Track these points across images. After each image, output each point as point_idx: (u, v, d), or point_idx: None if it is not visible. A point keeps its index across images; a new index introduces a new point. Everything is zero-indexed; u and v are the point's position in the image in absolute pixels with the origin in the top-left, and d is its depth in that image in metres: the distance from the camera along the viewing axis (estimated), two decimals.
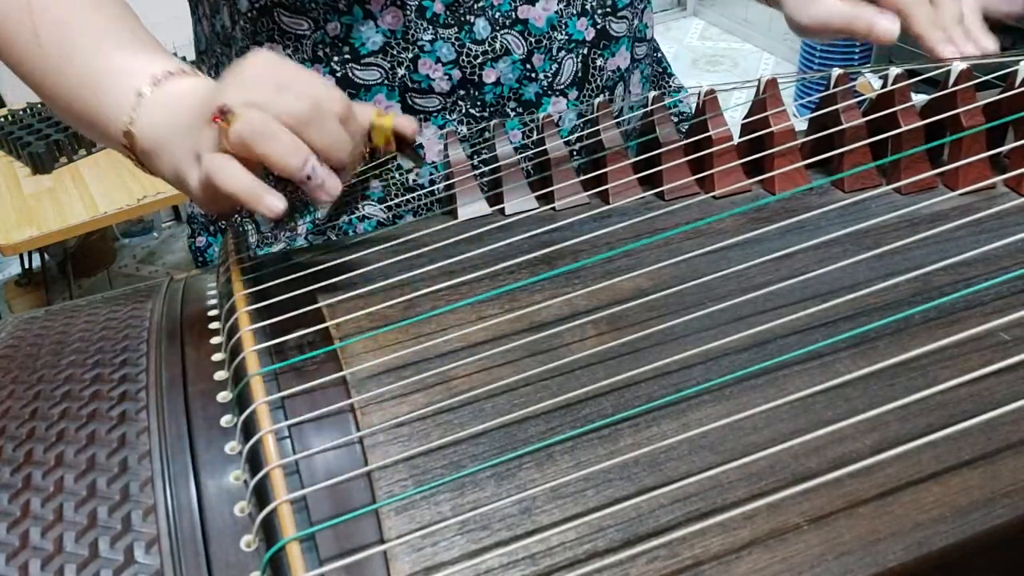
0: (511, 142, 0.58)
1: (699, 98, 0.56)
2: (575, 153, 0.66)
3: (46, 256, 2.30)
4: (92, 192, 1.80)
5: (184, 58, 2.12)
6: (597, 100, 0.58)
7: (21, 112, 2.03)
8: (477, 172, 0.58)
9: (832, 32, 0.65)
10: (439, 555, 0.34)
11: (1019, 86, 0.52)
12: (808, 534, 0.34)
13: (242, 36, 0.63)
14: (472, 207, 0.55)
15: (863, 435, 0.37)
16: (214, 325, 0.45)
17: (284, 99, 0.44)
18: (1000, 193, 0.52)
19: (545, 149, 0.56)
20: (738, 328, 0.41)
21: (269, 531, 0.34)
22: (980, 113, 0.52)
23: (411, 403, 0.40)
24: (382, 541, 0.34)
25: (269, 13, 0.60)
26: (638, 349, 0.42)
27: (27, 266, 2.38)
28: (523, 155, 0.59)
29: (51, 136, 1.90)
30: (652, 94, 0.58)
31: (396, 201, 0.65)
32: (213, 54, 0.69)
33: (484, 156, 0.61)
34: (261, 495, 0.35)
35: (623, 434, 0.38)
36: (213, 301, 0.48)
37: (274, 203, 0.44)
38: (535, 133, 0.62)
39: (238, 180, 0.43)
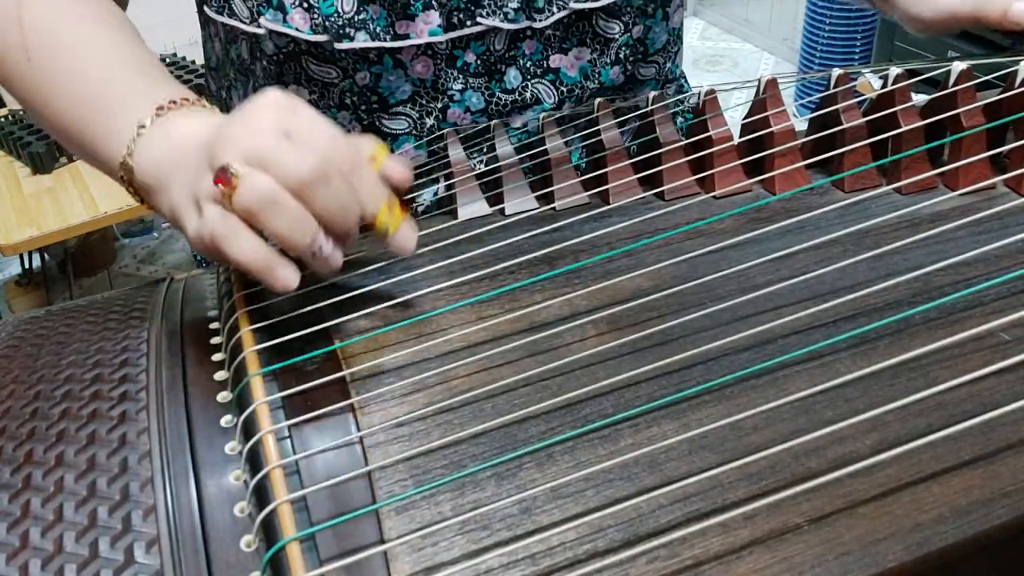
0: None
1: (699, 98, 0.56)
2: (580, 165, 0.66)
3: (46, 256, 2.30)
4: (92, 192, 1.80)
5: (183, 57, 2.12)
6: (597, 100, 0.58)
7: (21, 112, 2.03)
8: (477, 172, 0.58)
9: (959, 22, 0.60)
10: (439, 555, 0.34)
11: (1019, 86, 0.52)
12: (808, 534, 0.34)
13: (264, 76, 0.62)
14: (472, 207, 0.55)
15: (863, 435, 0.37)
16: (214, 325, 0.45)
17: (290, 155, 0.40)
18: (1000, 193, 0.52)
19: (545, 149, 0.56)
20: (738, 328, 0.41)
21: (269, 531, 0.34)
22: (980, 113, 0.52)
23: (411, 403, 0.40)
24: (382, 541, 0.34)
25: (296, 58, 0.59)
26: (638, 349, 0.42)
27: (27, 266, 2.38)
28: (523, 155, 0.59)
29: (51, 136, 1.90)
30: (652, 94, 0.58)
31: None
32: (226, 76, 0.68)
33: (484, 156, 0.61)
34: (261, 495, 0.35)
35: (623, 434, 0.38)
36: (213, 301, 0.48)
37: (288, 277, 0.41)
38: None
39: (250, 252, 0.40)
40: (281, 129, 0.40)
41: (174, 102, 0.47)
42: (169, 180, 0.45)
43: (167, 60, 2.08)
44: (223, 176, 0.39)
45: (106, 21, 0.52)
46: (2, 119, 2.00)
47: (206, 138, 0.43)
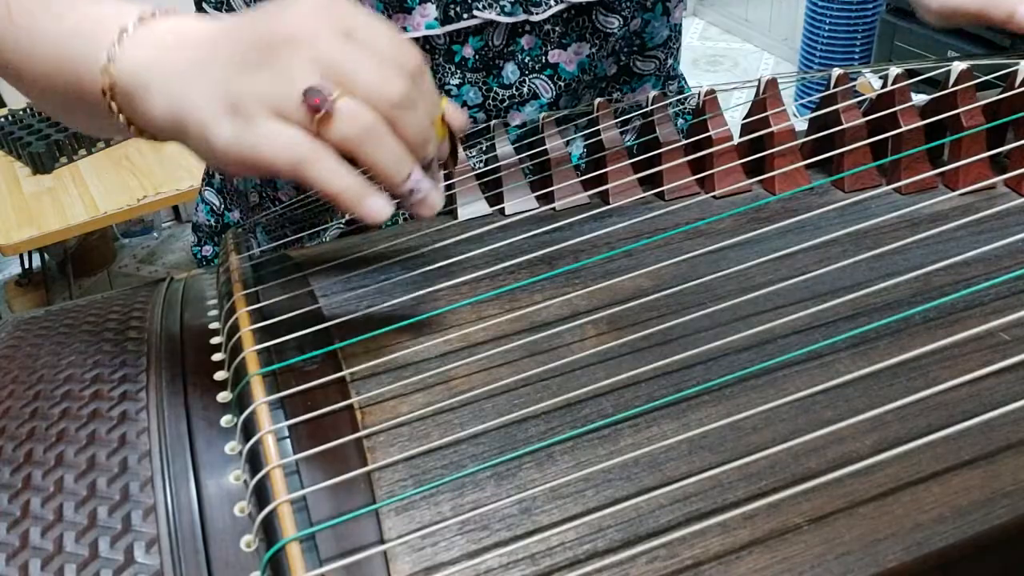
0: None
1: (699, 98, 0.56)
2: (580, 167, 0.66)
3: (46, 256, 2.30)
4: (92, 192, 1.81)
5: None
6: (597, 100, 0.58)
7: (21, 112, 2.03)
8: (477, 172, 0.58)
9: (963, 18, 0.60)
10: (439, 555, 0.34)
11: (1019, 86, 0.52)
12: (808, 534, 0.34)
13: None
14: (472, 207, 0.55)
15: (863, 435, 0.37)
16: (214, 325, 0.45)
17: (374, 72, 0.35)
18: (1000, 193, 0.52)
19: (545, 149, 0.56)
20: (738, 328, 0.41)
21: (269, 531, 0.34)
22: (980, 113, 0.52)
23: (411, 403, 0.40)
24: (382, 541, 0.34)
25: None
26: (638, 349, 0.42)
27: (27, 266, 2.38)
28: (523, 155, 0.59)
29: (51, 136, 1.90)
30: (652, 94, 0.58)
31: (397, 201, 0.65)
32: None
33: (484, 156, 0.61)
34: (261, 495, 0.35)
35: (623, 434, 0.38)
36: (213, 301, 0.48)
37: (379, 207, 0.37)
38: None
39: (341, 179, 0.36)
40: (342, 28, 0.36)
41: (160, 10, 0.41)
42: (165, 78, 0.39)
43: None
44: (317, 101, 0.35)
45: None
46: (2, 119, 2.00)
47: (237, 33, 0.37)
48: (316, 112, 0.35)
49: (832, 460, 0.36)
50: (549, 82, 0.62)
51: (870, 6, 2.74)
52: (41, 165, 1.87)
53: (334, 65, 0.35)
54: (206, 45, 0.38)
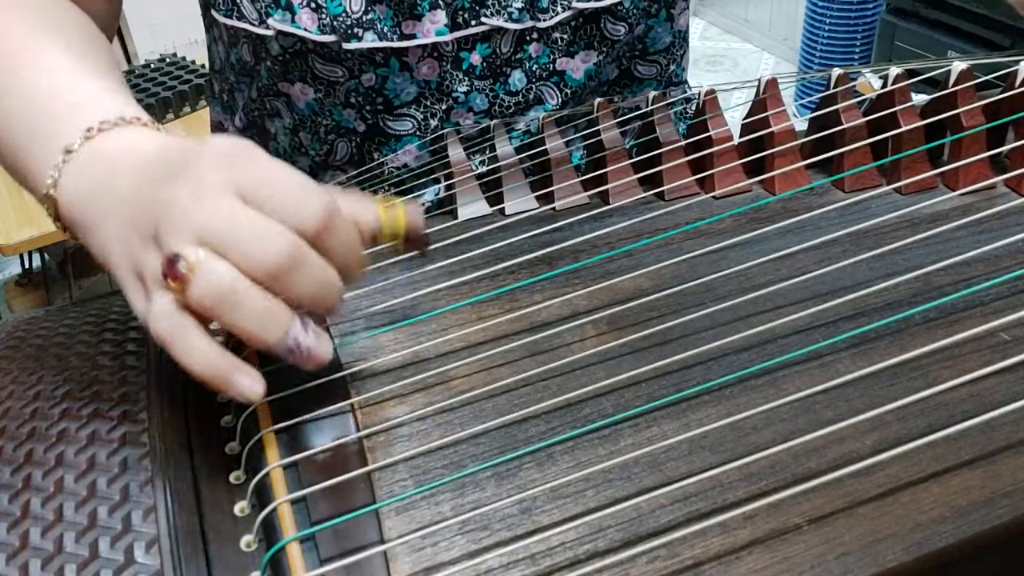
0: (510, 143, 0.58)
1: (699, 98, 0.56)
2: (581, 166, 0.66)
3: (46, 256, 2.30)
4: None
5: (183, 57, 2.12)
6: (597, 100, 0.58)
7: None
8: (477, 172, 0.58)
9: None
10: (439, 555, 0.34)
11: (1019, 86, 0.52)
12: (808, 534, 0.34)
13: (268, 75, 0.61)
14: (472, 207, 0.55)
15: (863, 435, 0.37)
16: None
17: (250, 237, 0.33)
18: (1000, 193, 0.52)
19: (545, 149, 0.56)
20: (738, 328, 0.41)
21: (269, 531, 0.34)
22: (980, 113, 0.52)
23: (411, 403, 0.40)
24: (382, 541, 0.34)
25: (302, 57, 0.59)
26: (638, 349, 0.42)
27: (27, 266, 2.38)
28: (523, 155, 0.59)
29: None
30: (652, 94, 0.58)
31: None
32: (227, 80, 0.68)
33: (485, 156, 0.61)
34: (261, 495, 0.35)
35: (623, 434, 0.38)
36: None
37: (249, 387, 0.34)
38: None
39: (202, 359, 0.34)
40: (237, 190, 0.34)
41: (106, 123, 0.39)
42: (99, 224, 0.38)
43: (168, 60, 2.08)
44: (172, 270, 0.33)
45: (68, 35, 0.47)
46: None
47: (140, 187, 0.36)
48: (171, 280, 0.33)
49: (832, 460, 0.36)
50: (556, 89, 0.62)
51: (870, 6, 2.74)
52: None
53: (211, 229, 0.33)
54: (125, 196, 0.37)
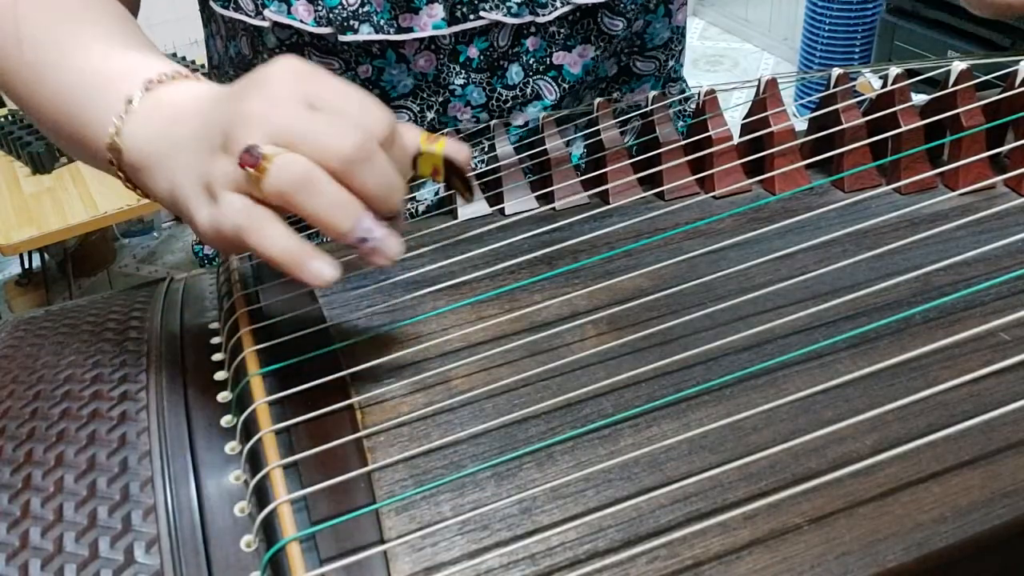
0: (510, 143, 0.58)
1: (699, 98, 0.56)
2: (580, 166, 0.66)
3: (46, 256, 2.30)
4: (92, 192, 1.80)
5: (184, 58, 2.12)
6: (597, 100, 0.58)
7: (21, 112, 2.03)
8: (477, 172, 0.58)
9: (1015, 9, 0.58)
10: (439, 555, 0.34)
11: (1019, 86, 0.52)
12: (808, 534, 0.34)
13: None
14: (472, 207, 0.55)
15: (863, 435, 0.37)
16: (214, 325, 0.45)
17: (325, 130, 0.35)
18: (1000, 193, 0.52)
19: (545, 149, 0.56)
20: (738, 328, 0.41)
21: (269, 531, 0.34)
22: (980, 113, 0.52)
23: (411, 403, 0.40)
24: (382, 541, 0.34)
25: (299, 50, 0.59)
26: (638, 349, 0.42)
27: (27, 266, 2.38)
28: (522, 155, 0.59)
29: (44, 133, 1.90)
30: (652, 94, 0.58)
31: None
32: (226, 75, 0.68)
33: (484, 156, 0.62)
34: (261, 495, 0.35)
35: (623, 434, 0.38)
36: (213, 301, 0.48)
37: (322, 270, 0.36)
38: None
39: (280, 243, 0.36)
40: (305, 100, 0.36)
41: (165, 74, 0.42)
42: (166, 159, 0.40)
43: None
44: (249, 158, 0.35)
45: (102, 7, 0.50)
46: (2, 119, 2.00)
47: (212, 112, 0.38)
48: (250, 168, 0.35)
49: (832, 460, 0.36)
50: (553, 84, 0.62)
51: (870, 6, 2.74)
52: (41, 165, 1.87)
53: (283, 129, 0.35)
54: (194, 122, 0.39)
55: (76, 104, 0.44)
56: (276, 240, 0.36)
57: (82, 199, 1.79)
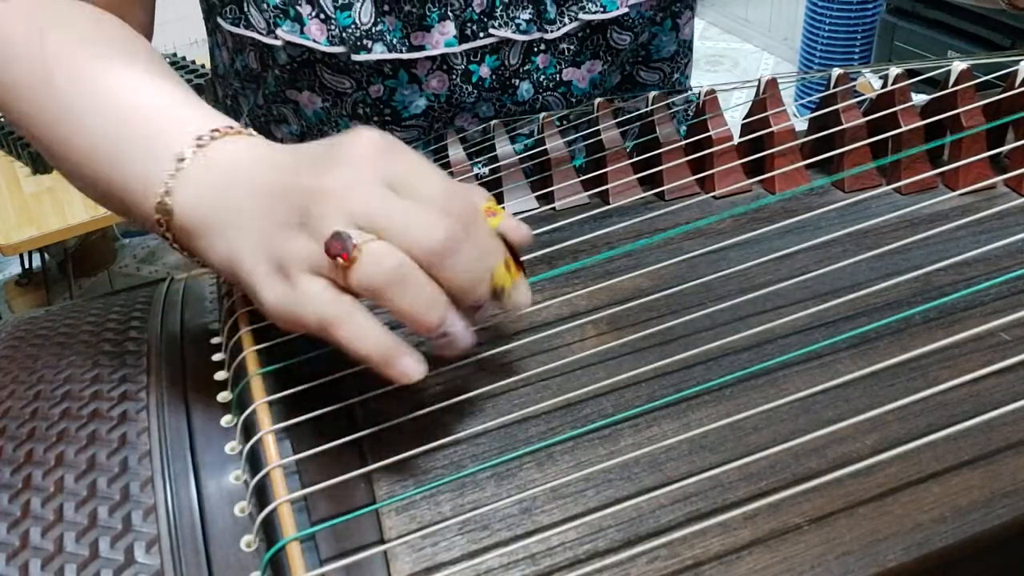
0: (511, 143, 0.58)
1: (699, 98, 0.56)
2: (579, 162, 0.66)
3: (46, 256, 2.30)
4: None
5: (184, 57, 2.12)
6: (597, 100, 0.58)
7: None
8: (477, 172, 0.58)
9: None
10: (439, 555, 0.34)
11: (1019, 86, 0.52)
12: (808, 534, 0.34)
13: (276, 83, 0.61)
14: None
15: (863, 435, 0.37)
16: (214, 325, 0.45)
17: (413, 220, 0.33)
18: (1000, 193, 0.52)
19: (545, 149, 0.56)
20: (738, 328, 0.41)
21: (269, 531, 0.34)
22: (980, 113, 0.52)
23: (411, 403, 0.40)
24: (382, 541, 0.34)
25: (310, 66, 0.59)
26: (638, 349, 0.42)
27: (27, 266, 2.38)
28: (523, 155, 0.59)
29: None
30: (652, 94, 0.58)
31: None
32: (231, 85, 0.67)
33: (485, 157, 0.62)
34: (261, 495, 0.35)
35: (623, 434, 0.38)
36: (213, 301, 0.48)
37: (412, 368, 0.34)
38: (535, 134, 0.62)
39: (371, 339, 0.34)
40: (387, 180, 0.34)
41: (216, 130, 0.39)
42: (226, 227, 0.37)
43: (168, 60, 2.08)
44: (339, 246, 0.33)
45: (133, 51, 0.47)
46: (2, 119, 2.00)
47: (281, 182, 0.36)
48: (337, 259, 0.33)
49: (832, 460, 0.36)
50: (561, 99, 0.62)
51: (870, 6, 2.74)
52: (41, 165, 1.87)
53: (368, 215, 0.34)
54: (258, 190, 0.37)
55: (116, 158, 0.41)
56: (367, 335, 0.34)
57: (82, 199, 1.79)
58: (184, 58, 2.17)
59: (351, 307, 0.34)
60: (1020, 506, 0.34)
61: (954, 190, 0.51)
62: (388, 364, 0.34)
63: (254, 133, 0.41)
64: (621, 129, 0.57)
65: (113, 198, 0.42)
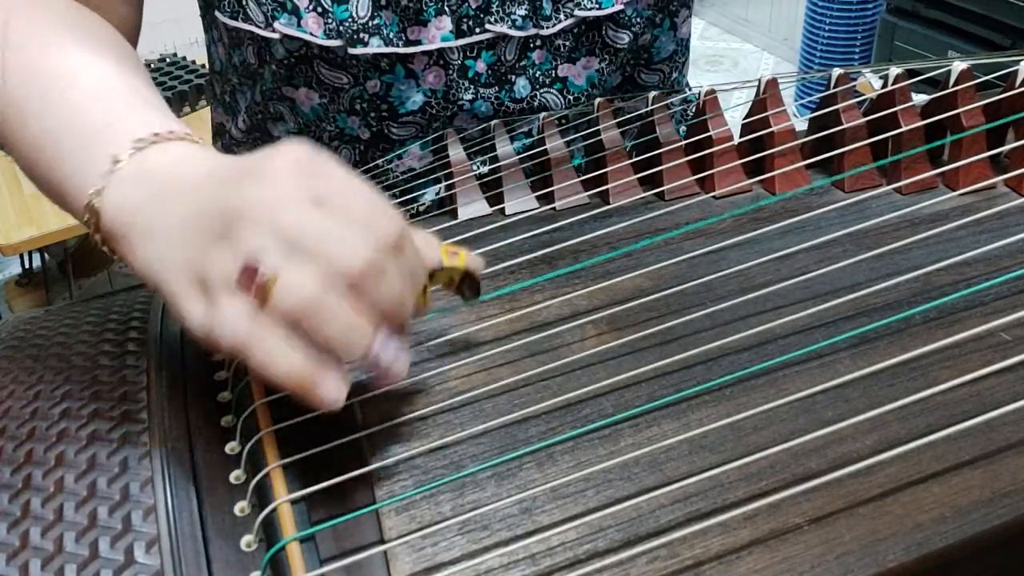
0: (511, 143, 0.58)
1: (699, 98, 0.56)
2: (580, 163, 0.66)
3: (46, 256, 2.30)
4: None
5: (184, 57, 2.12)
6: (598, 100, 0.58)
7: None
8: (477, 173, 0.58)
9: None
10: (439, 555, 0.34)
11: (1019, 86, 0.52)
12: (808, 534, 0.34)
13: (272, 79, 0.61)
14: (472, 207, 0.55)
15: (863, 435, 0.37)
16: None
17: (335, 242, 0.32)
18: (1000, 193, 0.52)
19: (545, 149, 0.56)
20: (738, 328, 0.41)
21: (269, 531, 0.34)
22: (980, 113, 0.52)
23: (411, 403, 0.40)
24: (382, 541, 0.34)
25: (307, 62, 0.59)
26: (638, 349, 0.42)
27: (27, 266, 2.38)
28: (523, 155, 0.59)
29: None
30: (652, 94, 0.58)
31: (396, 203, 0.65)
32: (229, 82, 0.67)
33: (485, 157, 0.62)
34: (261, 495, 0.35)
35: (623, 434, 0.38)
36: None
37: (330, 394, 0.33)
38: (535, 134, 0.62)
39: (286, 365, 0.32)
40: (312, 194, 0.33)
41: (156, 134, 0.39)
42: (150, 234, 0.36)
43: (168, 60, 2.08)
44: (249, 281, 0.32)
45: (100, 45, 0.47)
46: None
47: (208, 192, 0.35)
48: (250, 288, 0.32)
49: (832, 460, 0.36)
50: (559, 96, 0.62)
51: (870, 6, 2.74)
52: None
53: (290, 233, 0.32)
54: (188, 201, 0.35)
55: (57, 152, 0.41)
56: (280, 360, 0.32)
57: None
58: (184, 58, 2.17)
59: (265, 331, 0.32)
60: (1020, 506, 0.34)
61: (954, 190, 0.51)
62: (304, 390, 0.33)
63: (198, 140, 0.40)
64: (621, 129, 0.57)
65: (53, 190, 0.42)
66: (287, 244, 0.32)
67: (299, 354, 0.32)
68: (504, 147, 0.57)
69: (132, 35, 0.58)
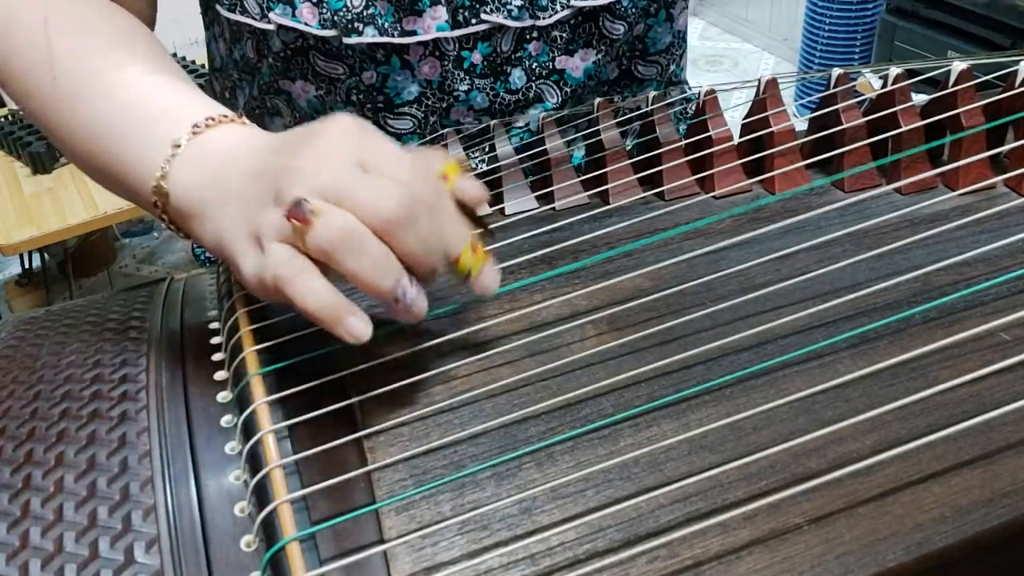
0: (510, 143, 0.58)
1: (699, 98, 0.56)
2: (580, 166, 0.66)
3: (46, 256, 2.30)
4: (92, 192, 1.81)
5: (184, 57, 2.12)
6: (597, 100, 0.58)
7: (21, 112, 2.03)
8: (477, 172, 0.58)
9: None
10: (439, 555, 0.34)
11: (1019, 86, 0.52)
12: (808, 534, 0.34)
13: (270, 72, 0.61)
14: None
15: (863, 435, 0.37)
16: (214, 325, 0.45)
17: (371, 191, 0.36)
18: (1000, 193, 0.52)
19: (545, 149, 0.56)
20: (738, 328, 0.41)
21: (269, 531, 0.34)
22: (980, 113, 0.52)
23: (411, 403, 0.40)
24: (382, 541, 0.34)
25: (304, 54, 0.59)
26: (638, 349, 0.42)
27: (27, 266, 2.38)
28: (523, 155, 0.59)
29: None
30: (652, 94, 0.58)
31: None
32: (229, 77, 0.68)
33: (485, 156, 0.62)
34: (261, 495, 0.35)
35: (623, 434, 0.38)
36: (213, 301, 0.48)
37: (357, 328, 0.36)
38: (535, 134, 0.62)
39: (317, 297, 0.36)
40: (356, 160, 0.37)
41: (211, 119, 0.42)
42: (215, 206, 0.40)
43: None
44: (297, 211, 0.35)
45: (135, 40, 0.49)
46: (2, 119, 2.00)
47: (262, 163, 0.39)
48: (296, 221, 0.35)
49: (832, 460, 0.36)
50: (555, 88, 0.62)
51: (870, 6, 2.74)
52: (41, 165, 1.87)
53: (333, 186, 0.36)
54: (243, 172, 0.39)
55: (115, 141, 0.44)
56: (314, 293, 0.36)
57: (82, 199, 1.79)
58: (184, 58, 2.17)
59: (303, 267, 0.36)
60: (1020, 506, 0.34)
61: (954, 190, 0.51)
62: (334, 322, 0.36)
63: (248, 122, 0.43)
64: (621, 129, 0.57)
65: (112, 178, 0.45)
66: (328, 194, 0.36)
67: (332, 291, 0.36)
68: (504, 147, 0.57)
69: (150, 26, 0.59)
